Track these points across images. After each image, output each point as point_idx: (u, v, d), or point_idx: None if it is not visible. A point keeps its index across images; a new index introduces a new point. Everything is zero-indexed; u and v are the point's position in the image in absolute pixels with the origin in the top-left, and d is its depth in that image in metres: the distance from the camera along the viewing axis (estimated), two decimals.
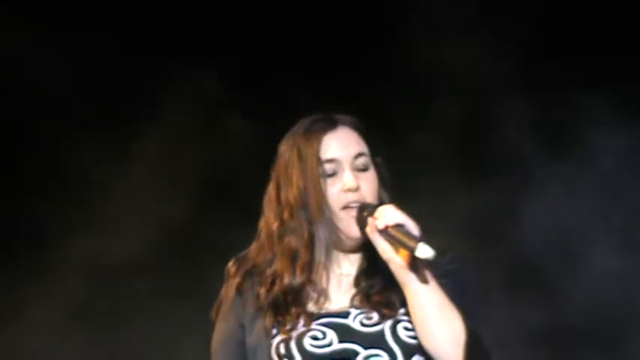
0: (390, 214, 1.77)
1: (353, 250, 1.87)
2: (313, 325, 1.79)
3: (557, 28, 3.87)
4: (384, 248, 1.76)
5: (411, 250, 1.73)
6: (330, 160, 1.83)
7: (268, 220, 1.86)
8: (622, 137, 3.78)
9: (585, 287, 3.75)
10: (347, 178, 1.82)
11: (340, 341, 1.77)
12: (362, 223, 1.82)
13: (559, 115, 3.89)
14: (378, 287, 1.82)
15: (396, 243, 1.76)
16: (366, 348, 1.77)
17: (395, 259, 1.76)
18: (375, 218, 1.78)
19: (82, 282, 3.85)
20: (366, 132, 1.88)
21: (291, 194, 1.82)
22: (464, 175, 3.85)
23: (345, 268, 1.87)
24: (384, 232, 1.76)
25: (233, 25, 3.92)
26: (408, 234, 1.75)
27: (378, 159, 1.88)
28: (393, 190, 1.90)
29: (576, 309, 3.76)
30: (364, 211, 1.81)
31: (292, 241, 1.82)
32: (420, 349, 1.77)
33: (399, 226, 1.76)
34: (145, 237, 3.82)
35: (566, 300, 3.79)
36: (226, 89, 3.86)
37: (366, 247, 1.83)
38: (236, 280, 1.86)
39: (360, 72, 3.89)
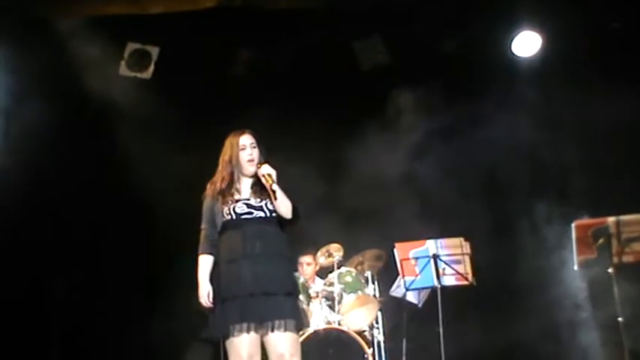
0: (265, 168, 5.33)
1: (249, 176, 5.43)
2: (238, 204, 5.31)
3: None
4: (264, 181, 5.32)
5: (271, 185, 5.28)
6: (243, 145, 5.45)
7: (220, 167, 5.42)
8: None
9: None
10: (249, 151, 5.45)
11: (247, 207, 5.32)
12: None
13: None
14: (259, 189, 5.37)
15: (267, 178, 5.30)
16: (256, 210, 5.33)
17: (267, 185, 5.30)
18: (260, 168, 5.35)
19: None
20: (256, 135, 5.46)
21: (227, 157, 5.43)
22: None
23: (246, 183, 5.42)
24: (263, 175, 5.31)
25: None
26: (271, 177, 5.28)
27: (260, 146, 5.50)
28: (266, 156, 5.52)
29: None
30: (258, 164, 5.42)
31: (225, 174, 5.39)
32: (273, 211, 5.30)
33: (269, 174, 5.29)
34: None
35: None
36: None
37: (254, 175, 5.40)
38: (210, 195, 5.38)
39: None
